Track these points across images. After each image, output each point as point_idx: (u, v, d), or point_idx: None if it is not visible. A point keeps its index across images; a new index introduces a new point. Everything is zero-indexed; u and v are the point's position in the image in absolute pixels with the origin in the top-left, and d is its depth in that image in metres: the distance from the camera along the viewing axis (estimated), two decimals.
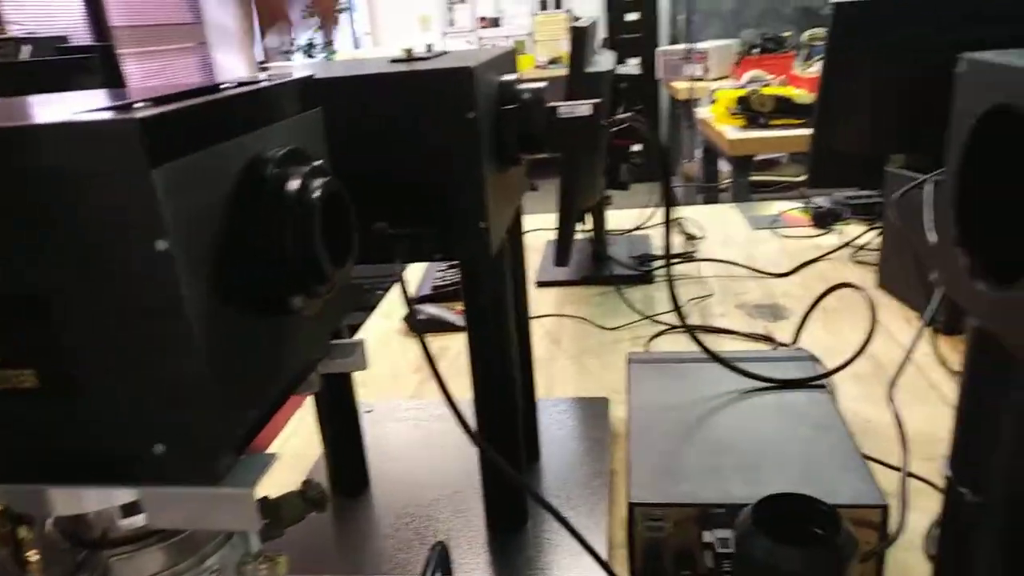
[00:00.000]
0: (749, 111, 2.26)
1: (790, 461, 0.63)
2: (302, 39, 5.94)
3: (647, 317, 1.11)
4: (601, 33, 5.51)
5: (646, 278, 1.25)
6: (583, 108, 0.61)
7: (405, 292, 0.50)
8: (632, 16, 5.39)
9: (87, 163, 0.27)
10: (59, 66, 2.38)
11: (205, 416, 0.30)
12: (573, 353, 1.04)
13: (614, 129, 0.73)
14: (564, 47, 5.79)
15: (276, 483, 0.78)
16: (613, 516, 0.69)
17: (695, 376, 0.79)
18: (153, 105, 0.29)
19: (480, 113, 0.52)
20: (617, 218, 1.50)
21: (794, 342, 0.96)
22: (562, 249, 1.08)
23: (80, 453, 0.32)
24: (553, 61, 5.62)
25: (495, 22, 6.17)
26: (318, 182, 0.33)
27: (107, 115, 0.27)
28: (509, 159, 0.61)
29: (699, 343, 0.75)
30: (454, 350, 1.07)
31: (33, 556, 0.39)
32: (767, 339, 1.00)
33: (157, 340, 0.29)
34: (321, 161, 0.35)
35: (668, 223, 0.75)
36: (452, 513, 0.69)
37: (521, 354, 0.75)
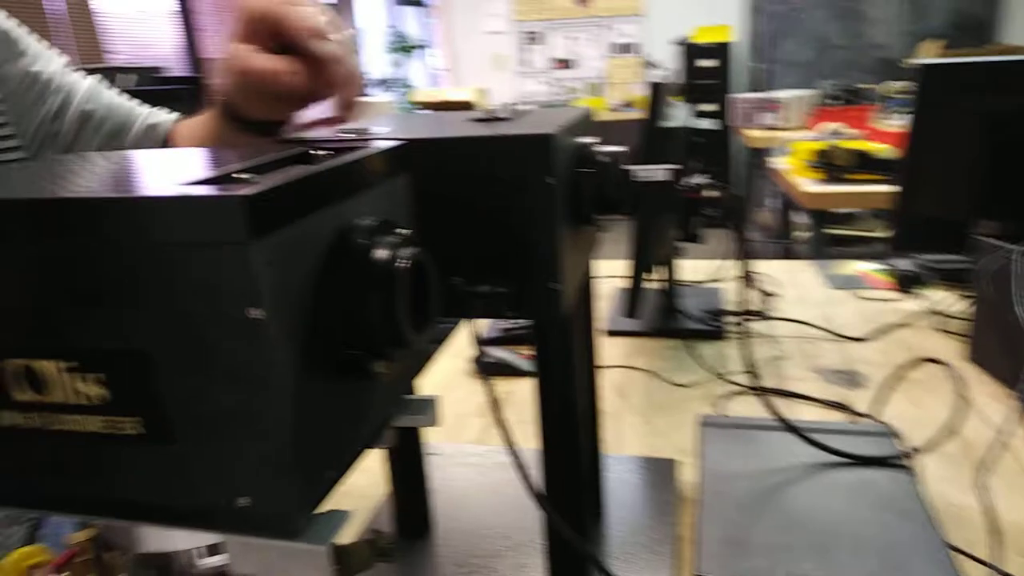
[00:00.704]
0: (828, 164, 2.22)
1: (866, 545, 0.61)
2: (379, 73, 6.14)
3: (718, 375, 1.09)
4: (674, 79, 5.52)
5: (718, 334, 1.23)
6: (660, 173, 0.61)
7: (475, 334, 0.50)
8: (707, 63, 5.38)
9: (191, 233, 0.29)
10: (159, 96, 2.55)
11: (285, 477, 0.31)
12: (641, 408, 1.03)
13: (689, 191, 0.73)
14: (637, 90, 5.83)
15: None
16: None
17: (769, 444, 0.77)
18: (253, 174, 0.32)
19: (558, 178, 0.53)
20: (689, 269, 1.49)
21: (873, 414, 0.93)
22: (632, 300, 1.08)
23: (172, 497, 0.33)
24: (627, 104, 5.66)
25: (569, 64, 6.26)
26: (405, 252, 0.35)
27: (213, 190, 0.29)
28: (584, 220, 0.62)
29: (775, 412, 0.73)
30: (520, 395, 1.07)
31: None
32: (843, 407, 0.97)
33: (244, 402, 0.30)
34: (409, 231, 0.37)
35: (745, 280, 0.74)
36: (513, 567, 0.69)
37: (590, 408, 0.75)
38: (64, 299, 0.31)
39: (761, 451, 0.75)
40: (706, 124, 1.25)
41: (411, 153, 0.53)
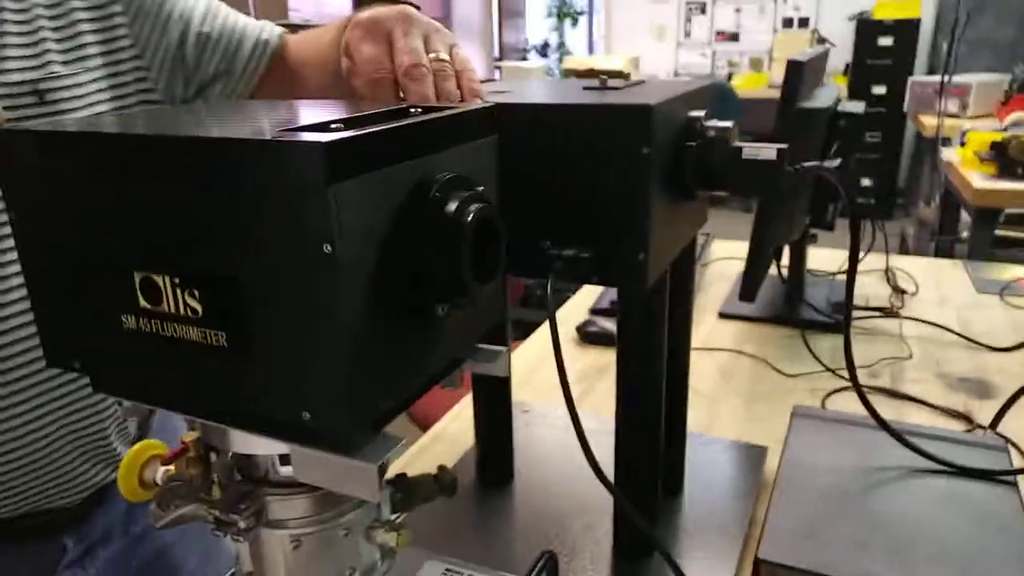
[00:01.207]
0: (1004, 158, 2.02)
1: (951, 556, 0.58)
2: (536, 38, 6.17)
3: (830, 370, 1.05)
4: (845, 58, 5.16)
5: (839, 327, 1.17)
6: (768, 151, 0.60)
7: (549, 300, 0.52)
8: (886, 41, 4.97)
9: (280, 173, 0.33)
10: None
11: (342, 397, 0.35)
12: (743, 393, 1.01)
13: (802, 173, 0.70)
14: None
15: (433, 459, 0.85)
16: (743, 568, 0.67)
17: (863, 443, 0.74)
18: (343, 127, 0.35)
19: (655, 149, 0.53)
20: (820, 258, 1.42)
21: (993, 426, 0.86)
22: (748, 284, 1.05)
23: (250, 406, 0.38)
24: None
25: (734, 37, 5.99)
26: (474, 207, 0.37)
27: (301, 136, 0.33)
28: (685, 193, 0.62)
29: (868, 406, 0.70)
30: None
31: (215, 479, 0.47)
32: (963, 417, 0.91)
33: (314, 325, 0.34)
34: (482, 188, 0.39)
35: (852, 275, 0.71)
36: (583, 527, 0.72)
37: (675, 385, 0.75)
38: (176, 224, 0.36)
39: (852, 448, 0.72)
40: (854, 107, 1.18)
41: (515, 117, 0.55)
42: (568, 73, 5.21)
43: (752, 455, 0.83)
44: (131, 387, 0.43)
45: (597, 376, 1.07)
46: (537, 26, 6.38)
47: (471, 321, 0.45)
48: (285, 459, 0.43)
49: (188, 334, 0.38)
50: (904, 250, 3.38)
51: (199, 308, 0.37)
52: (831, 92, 1.21)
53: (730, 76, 5.75)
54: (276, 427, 0.38)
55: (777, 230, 1.07)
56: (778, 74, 5.51)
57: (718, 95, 5.19)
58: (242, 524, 0.43)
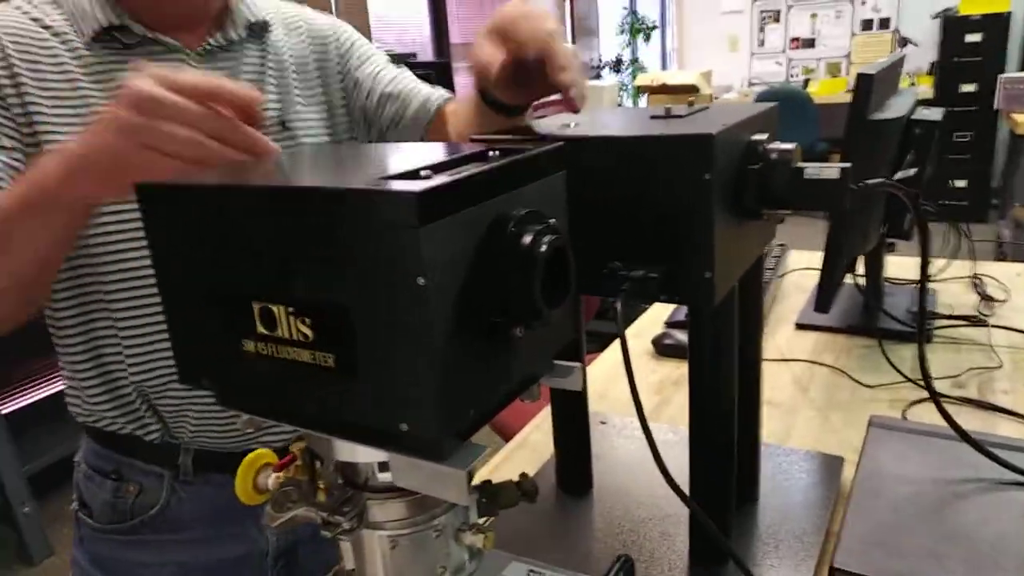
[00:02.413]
0: None
1: None
2: (609, 55, 6.19)
3: (911, 380, 1.04)
4: (930, 57, 4.98)
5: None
6: (830, 171, 0.62)
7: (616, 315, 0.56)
8: (973, 37, 4.77)
9: (381, 217, 0.38)
10: None
11: (435, 409, 0.39)
12: (819, 404, 1.02)
13: (865, 189, 0.71)
14: None
15: (515, 468, 0.90)
16: None
17: (944, 454, 0.74)
18: (432, 175, 0.40)
19: (716, 174, 0.56)
20: (900, 267, 1.40)
21: None
22: (823, 295, 1.06)
23: (354, 418, 0.43)
24: None
25: (810, 43, 5.87)
26: (546, 239, 0.41)
27: (397, 185, 0.38)
28: (749, 214, 0.64)
29: (945, 415, 0.71)
30: None
31: (321, 485, 0.52)
32: None
33: (409, 347, 0.39)
34: (553, 220, 0.43)
35: (924, 283, 0.72)
36: (659, 535, 0.74)
37: (749, 396, 0.77)
38: (292, 260, 0.42)
39: (932, 459, 0.73)
40: (932, 114, 1.17)
41: (584, 149, 0.59)
42: (641, 90, 5.22)
43: (829, 465, 0.84)
44: (250, 402, 0.49)
45: (673, 388, 1.10)
46: (610, 43, 6.41)
47: (546, 340, 0.49)
48: (383, 466, 0.48)
49: (300, 356, 0.43)
50: (1001, 255, 3.23)
51: (309, 333, 0.42)
52: (906, 100, 1.21)
53: (806, 83, 5.63)
54: (376, 437, 0.44)
55: (850, 242, 1.07)
56: None
57: (794, 103, 5.08)
58: (346, 525, 0.49)
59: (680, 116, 0.67)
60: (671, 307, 1.37)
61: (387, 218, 0.37)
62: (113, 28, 0.77)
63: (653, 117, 0.68)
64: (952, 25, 4.87)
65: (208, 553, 0.89)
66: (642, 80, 5.35)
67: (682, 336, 1.21)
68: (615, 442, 0.92)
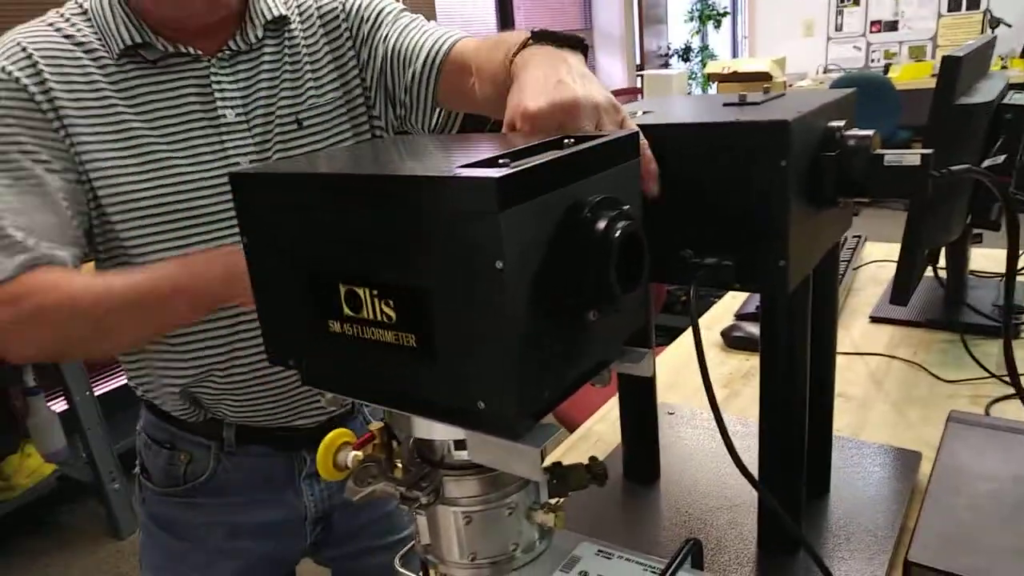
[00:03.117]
0: None
1: None
2: (678, 42, 6.09)
3: (995, 376, 1.00)
4: (1022, 38, 4.71)
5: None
6: (911, 157, 0.61)
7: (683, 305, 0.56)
8: None
9: (462, 204, 0.39)
10: None
11: (511, 388, 0.41)
12: (895, 399, 0.99)
13: (948, 176, 0.69)
14: None
15: (580, 456, 0.91)
16: (893, 572, 0.67)
17: None
18: (510, 162, 0.41)
19: (792, 161, 0.56)
20: (985, 259, 1.35)
21: None
22: (900, 287, 1.03)
23: (435, 397, 0.45)
24: None
25: (892, 26, 5.63)
26: (620, 225, 0.42)
27: (478, 172, 0.39)
28: (824, 202, 0.64)
29: None
30: None
31: (398, 463, 0.55)
32: None
33: (488, 328, 0.40)
34: (627, 206, 0.44)
35: (1012, 274, 0.70)
36: (727, 523, 0.74)
37: (821, 388, 0.76)
38: (377, 245, 0.44)
39: (1014, 456, 0.70)
40: (1021, 99, 1.12)
41: (658, 136, 0.59)
42: (712, 78, 5.11)
43: (904, 460, 0.82)
44: (333, 381, 0.52)
45: (743, 381, 1.09)
46: (679, 30, 6.30)
47: (618, 325, 0.50)
48: (459, 444, 0.50)
49: (383, 337, 0.45)
50: None
51: (393, 315, 0.44)
52: (997, 84, 1.16)
53: (887, 68, 5.42)
54: (454, 415, 0.45)
55: (931, 232, 1.03)
56: None
57: (874, 90, 4.87)
58: (424, 500, 0.51)
59: (755, 103, 0.67)
60: (740, 300, 1.36)
61: (468, 204, 0.39)
62: (137, 45, 0.79)
63: (727, 104, 0.68)
64: None
65: (253, 516, 0.97)
66: (712, 68, 5.25)
67: (752, 328, 1.20)
68: (682, 432, 0.92)
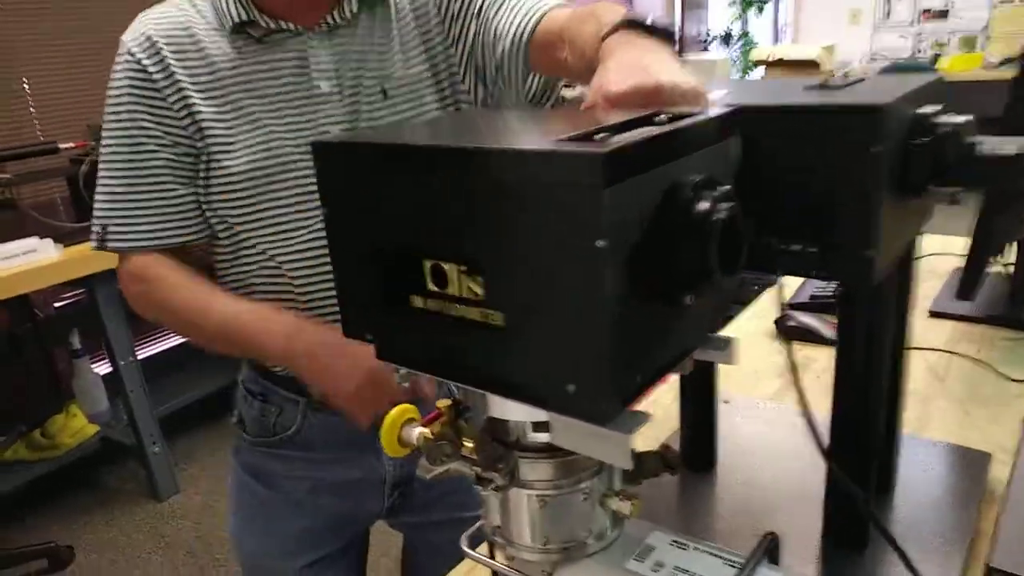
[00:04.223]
0: None
1: None
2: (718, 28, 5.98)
3: None
4: None
5: None
6: (1008, 147, 0.58)
7: (781, 297, 0.54)
8: None
9: (562, 178, 0.38)
10: None
11: (605, 372, 0.40)
12: (958, 396, 0.96)
13: None
14: None
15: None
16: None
17: None
18: (610, 135, 0.40)
19: (885, 147, 0.54)
20: None
21: None
22: (968, 282, 1.00)
23: (520, 378, 0.44)
24: (1007, 61, 4.81)
25: (943, 14, 5.48)
26: (723, 206, 0.41)
27: (580, 146, 0.38)
28: (913, 190, 0.61)
29: None
30: (820, 364, 1.07)
31: (468, 442, 0.54)
32: None
33: (582, 310, 0.39)
34: (728, 187, 0.43)
35: None
36: (787, 516, 0.73)
37: (892, 383, 0.74)
38: (467, 219, 0.43)
39: None
40: None
41: (743, 118, 0.57)
42: (757, 64, 5.01)
43: (974, 461, 0.80)
44: (411, 356, 0.51)
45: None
46: (719, 15, 6.19)
47: (708, 311, 0.49)
48: (537, 426, 0.49)
49: (468, 314, 0.44)
50: None
51: (480, 292, 0.43)
52: None
53: (935, 59, 5.28)
54: (540, 397, 0.44)
55: (1004, 226, 1.00)
56: (997, 53, 4.97)
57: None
58: (499, 481, 0.50)
59: (838, 87, 0.64)
60: (791, 288, 1.33)
61: (571, 179, 0.38)
62: (244, 23, 0.86)
63: (808, 88, 0.66)
64: None
65: (335, 473, 1.00)
66: (757, 54, 5.14)
67: (805, 318, 1.17)
68: (737, 421, 0.90)
